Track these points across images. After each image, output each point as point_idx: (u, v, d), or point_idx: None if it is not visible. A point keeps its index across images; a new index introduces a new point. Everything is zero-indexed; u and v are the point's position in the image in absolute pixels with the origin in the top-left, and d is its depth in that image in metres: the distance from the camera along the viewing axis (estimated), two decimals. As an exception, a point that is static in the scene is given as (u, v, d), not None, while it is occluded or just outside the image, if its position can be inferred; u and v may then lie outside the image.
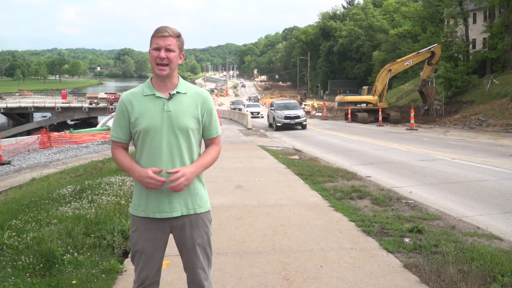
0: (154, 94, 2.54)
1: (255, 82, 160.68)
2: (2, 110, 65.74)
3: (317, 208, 6.49)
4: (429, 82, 34.80)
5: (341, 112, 38.98)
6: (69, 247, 4.48)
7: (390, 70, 32.51)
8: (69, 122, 65.40)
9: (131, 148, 2.63)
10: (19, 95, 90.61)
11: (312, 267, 4.21)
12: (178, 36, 2.53)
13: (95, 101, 69.73)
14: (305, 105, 56.76)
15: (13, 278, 3.84)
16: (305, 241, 4.98)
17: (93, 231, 4.99)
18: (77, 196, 6.86)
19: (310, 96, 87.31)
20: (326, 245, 4.83)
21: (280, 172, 9.97)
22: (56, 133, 27.15)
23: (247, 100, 75.77)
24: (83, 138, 24.16)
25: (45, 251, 4.28)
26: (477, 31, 39.12)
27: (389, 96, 42.98)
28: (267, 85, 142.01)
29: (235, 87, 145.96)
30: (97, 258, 4.28)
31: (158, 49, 2.48)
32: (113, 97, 65.75)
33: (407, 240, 4.91)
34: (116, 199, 6.41)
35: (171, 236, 2.65)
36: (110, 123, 37.86)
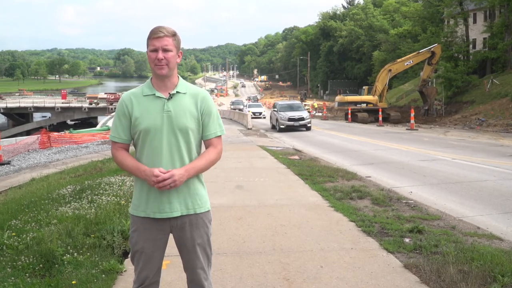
0: (154, 94, 2.54)
1: (255, 82, 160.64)
2: (2, 110, 65.70)
3: (317, 208, 6.48)
4: (429, 82, 34.80)
5: (341, 112, 38.97)
6: (69, 247, 4.48)
7: (390, 70, 32.51)
8: (69, 122, 65.39)
9: (131, 148, 2.63)
10: (19, 95, 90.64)
11: (312, 267, 4.21)
12: (174, 35, 2.53)
13: (95, 101, 69.70)
14: (305, 105, 56.65)
15: (13, 278, 3.84)
16: (305, 241, 4.97)
17: (93, 231, 4.99)
18: (77, 196, 6.85)
19: (310, 96, 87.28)
20: (326, 245, 4.82)
21: (280, 172, 9.96)
22: (56, 133, 27.13)
23: (246, 100, 75.43)
24: (83, 138, 24.15)
25: (45, 251, 4.28)
26: (477, 31, 39.12)
27: (389, 96, 42.99)
28: (267, 85, 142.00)
29: (235, 87, 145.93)
30: (97, 258, 4.27)
31: (155, 50, 2.48)
32: (113, 97, 65.71)
33: (407, 240, 4.91)
34: (116, 199, 6.41)
35: (171, 236, 2.64)
36: (110, 123, 37.84)
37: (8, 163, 16.34)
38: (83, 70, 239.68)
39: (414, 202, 6.91)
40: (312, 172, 9.50)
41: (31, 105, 65.24)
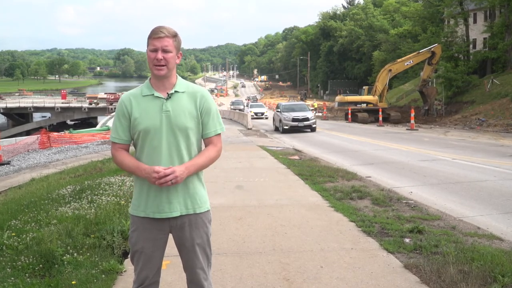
0: (153, 94, 2.54)
1: (255, 82, 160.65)
2: (1, 110, 65.68)
3: (317, 209, 6.48)
4: (430, 82, 34.81)
5: (341, 112, 38.96)
6: (68, 247, 4.47)
7: (390, 70, 32.51)
8: (68, 122, 65.39)
9: (131, 148, 2.63)
10: (19, 95, 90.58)
11: (312, 267, 4.21)
12: (175, 36, 2.52)
13: (95, 101, 69.68)
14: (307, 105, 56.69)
15: (12, 278, 3.83)
16: (305, 242, 4.97)
17: (92, 232, 4.99)
18: (77, 197, 6.85)
19: (310, 96, 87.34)
20: (326, 246, 4.82)
21: (280, 172, 9.96)
22: (55, 133, 27.13)
23: (245, 100, 75.30)
24: (82, 138, 24.14)
25: (44, 252, 4.28)
26: (478, 31, 39.12)
27: (389, 96, 42.97)
28: (267, 85, 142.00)
29: (235, 87, 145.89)
30: (96, 259, 4.27)
31: (155, 50, 2.48)
32: (112, 97, 65.67)
33: (407, 240, 4.90)
34: (115, 199, 6.41)
35: (170, 236, 2.64)
36: (110, 123, 37.85)
37: (8, 163, 16.35)
38: (83, 70, 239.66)
39: (414, 202, 6.91)
40: (312, 172, 9.50)
41: (31, 105, 65.22)
